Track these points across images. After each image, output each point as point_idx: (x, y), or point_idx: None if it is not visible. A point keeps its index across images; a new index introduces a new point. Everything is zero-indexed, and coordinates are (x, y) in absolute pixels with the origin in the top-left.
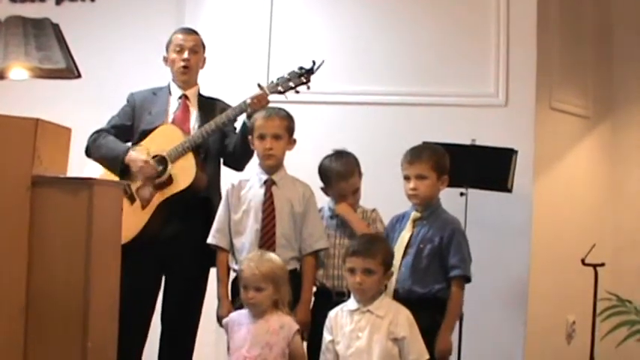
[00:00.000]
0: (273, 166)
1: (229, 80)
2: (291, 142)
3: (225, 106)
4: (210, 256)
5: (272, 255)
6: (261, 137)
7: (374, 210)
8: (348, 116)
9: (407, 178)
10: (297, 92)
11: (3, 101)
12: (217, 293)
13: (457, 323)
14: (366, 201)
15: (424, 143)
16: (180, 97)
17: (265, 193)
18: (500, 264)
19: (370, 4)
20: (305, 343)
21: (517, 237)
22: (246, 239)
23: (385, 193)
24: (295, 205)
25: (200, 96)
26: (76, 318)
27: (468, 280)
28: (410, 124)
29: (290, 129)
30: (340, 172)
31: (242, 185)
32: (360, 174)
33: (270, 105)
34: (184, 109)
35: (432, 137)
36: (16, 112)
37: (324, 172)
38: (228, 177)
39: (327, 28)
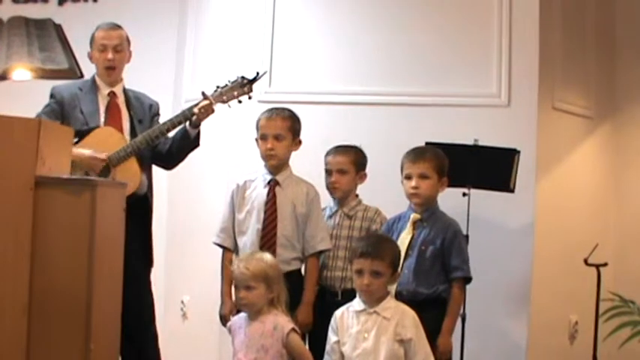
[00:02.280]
0: (276, 167)
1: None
2: (296, 143)
3: (151, 102)
4: (149, 255)
5: (264, 254)
6: (263, 137)
7: (376, 212)
8: (350, 117)
9: (408, 177)
10: (240, 102)
11: (6, 102)
12: (221, 292)
13: (460, 324)
14: (367, 201)
15: (426, 144)
16: (108, 95)
17: (268, 194)
18: (503, 264)
19: (372, 5)
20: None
21: (519, 237)
22: (248, 239)
23: (386, 193)
24: (298, 206)
25: (125, 91)
26: (79, 319)
27: (469, 281)
28: (412, 125)
29: (293, 129)
30: (336, 146)
31: (247, 185)
32: (357, 168)
33: (276, 104)
34: (114, 108)
35: (435, 137)
36: (19, 112)
37: (326, 152)
38: (234, 177)
39: (329, 29)
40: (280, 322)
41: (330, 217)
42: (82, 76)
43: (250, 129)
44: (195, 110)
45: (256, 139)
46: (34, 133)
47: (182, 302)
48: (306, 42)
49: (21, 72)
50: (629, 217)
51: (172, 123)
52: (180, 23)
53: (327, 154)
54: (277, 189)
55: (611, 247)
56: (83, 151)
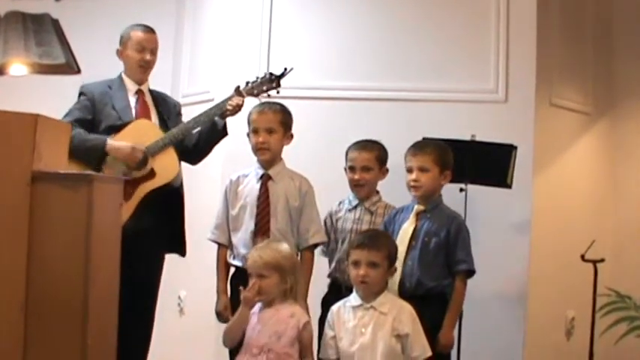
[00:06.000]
0: (267, 160)
1: (228, 81)
2: (288, 137)
3: (174, 101)
4: (173, 244)
5: (280, 244)
6: (255, 131)
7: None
8: (347, 112)
9: (409, 170)
10: (269, 96)
11: (3, 97)
12: (216, 288)
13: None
14: None
15: (424, 139)
16: (136, 93)
17: (261, 188)
18: (500, 260)
19: (370, 0)
20: None
21: (517, 233)
22: (243, 234)
23: (384, 188)
24: (291, 200)
25: (150, 90)
26: (76, 314)
27: (472, 274)
28: (410, 120)
29: (285, 123)
30: (359, 141)
31: (240, 181)
32: (380, 164)
33: (274, 100)
34: (143, 105)
35: (432, 133)
36: (15, 107)
37: (348, 148)
38: (230, 172)
39: (327, 24)
40: (298, 311)
41: (350, 210)
42: (79, 70)
43: (246, 124)
44: (229, 107)
45: (248, 134)
46: (31, 128)
47: (179, 297)
48: (303, 37)
49: (18, 67)
50: (627, 213)
51: (207, 115)
52: (178, 18)
53: (350, 150)
54: (270, 183)
55: (608, 243)
56: (121, 143)
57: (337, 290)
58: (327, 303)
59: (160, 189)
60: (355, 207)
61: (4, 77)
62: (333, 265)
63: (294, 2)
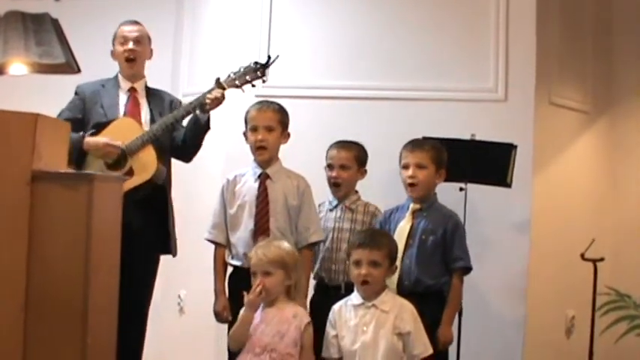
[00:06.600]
0: (266, 159)
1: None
2: (285, 136)
3: (172, 98)
4: (162, 245)
5: (282, 242)
6: (254, 129)
7: (377, 207)
8: (346, 111)
9: (406, 166)
10: (254, 86)
11: (3, 96)
12: (214, 288)
13: (456, 318)
14: (364, 195)
15: (424, 138)
16: (129, 90)
17: (259, 187)
18: (500, 259)
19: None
20: None
21: (516, 232)
22: (242, 233)
23: (384, 187)
24: (290, 198)
25: (147, 88)
26: (76, 313)
27: (469, 271)
28: (409, 119)
29: (283, 122)
30: (339, 140)
31: (237, 180)
32: (358, 164)
33: (274, 99)
34: (134, 102)
35: (432, 132)
36: (15, 107)
37: (328, 147)
38: (225, 172)
39: (327, 23)
40: (300, 311)
41: (331, 210)
42: (79, 70)
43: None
44: (208, 101)
45: (244, 133)
46: (31, 127)
47: (179, 297)
48: (303, 36)
49: (18, 66)
50: (626, 212)
51: (186, 110)
52: (177, 18)
53: (330, 148)
54: (268, 182)
55: (608, 241)
56: (98, 139)
57: (323, 290)
58: (315, 304)
59: (141, 187)
60: (335, 207)
61: (3, 77)
62: (317, 264)
63: (294, 1)
